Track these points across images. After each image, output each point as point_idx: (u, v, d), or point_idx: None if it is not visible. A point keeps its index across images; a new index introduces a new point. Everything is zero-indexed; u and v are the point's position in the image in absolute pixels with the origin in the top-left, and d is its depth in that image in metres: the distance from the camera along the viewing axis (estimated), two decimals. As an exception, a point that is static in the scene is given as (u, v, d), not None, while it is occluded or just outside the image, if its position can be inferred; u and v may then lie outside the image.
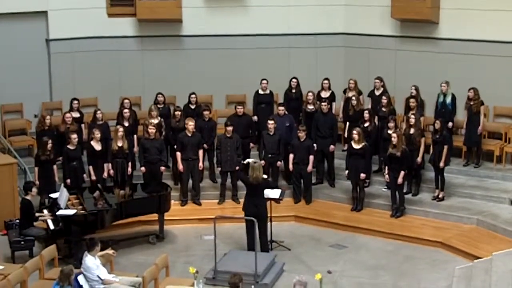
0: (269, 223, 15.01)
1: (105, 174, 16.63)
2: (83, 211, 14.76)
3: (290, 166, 17.12)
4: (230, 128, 17.01)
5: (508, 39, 17.52)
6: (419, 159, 16.79)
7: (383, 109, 17.73)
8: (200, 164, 17.15)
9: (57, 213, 14.53)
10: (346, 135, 18.10)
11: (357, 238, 15.95)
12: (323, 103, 17.72)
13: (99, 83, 19.40)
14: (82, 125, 18.03)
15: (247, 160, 15.52)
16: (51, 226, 14.49)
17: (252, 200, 14.57)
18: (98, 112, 17.51)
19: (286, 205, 16.74)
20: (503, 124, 18.02)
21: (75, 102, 18.02)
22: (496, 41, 17.68)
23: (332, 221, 16.55)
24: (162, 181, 16.81)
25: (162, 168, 16.91)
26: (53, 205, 15.05)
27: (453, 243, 15.26)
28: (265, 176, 14.95)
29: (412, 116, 16.87)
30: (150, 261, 13.50)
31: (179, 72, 19.66)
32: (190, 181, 17.25)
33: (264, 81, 18.61)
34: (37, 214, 14.85)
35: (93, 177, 16.52)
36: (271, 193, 15.03)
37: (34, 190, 14.97)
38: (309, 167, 17.02)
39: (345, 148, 17.70)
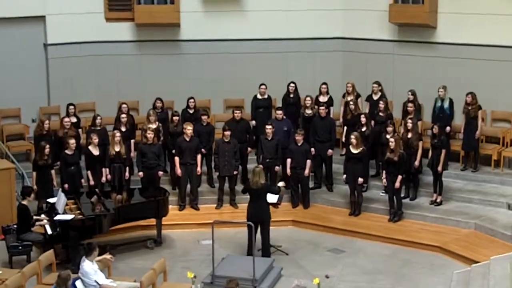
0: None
1: (103, 179, 16.63)
2: (80, 216, 14.75)
3: (288, 171, 17.11)
4: (228, 133, 17.01)
5: (506, 43, 17.53)
6: (416, 163, 16.80)
7: (381, 113, 17.74)
8: (198, 169, 17.14)
9: (55, 218, 14.52)
10: (344, 139, 18.08)
11: (355, 243, 15.95)
12: (321, 108, 17.74)
13: (97, 87, 19.42)
14: (80, 130, 18.01)
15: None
16: (49, 231, 14.47)
17: (253, 205, 14.63)
18: (98, 118, 17.49)
19: (284, 210, 16.73)
20: (500, 128, 18.03)
21: (71, 107, 17.98)
22: (494, 45, 17.69)
23: (330, 226, 16.54)
24: (160, 186, 16.80)
25: (160, 173, 16.91)
26: (51, 210, 15.03)
27: (451, 248, 15.27)
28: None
29: (410, 121, 16.87)
30: (148, 266, 13.49)
31: (177, 76, 19.67)
32: (188, 186, 17.24)
33: (263, 86, 18.62)
34: (35, 217, 14.83)
35: (91, 182, 16.53)
36: (269, 197, 15.03)
37: (32, 195, 14.96)
38: (306, 171, 17.02)
39: (343, 152, 17.69)
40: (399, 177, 16.10)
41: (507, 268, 13.31)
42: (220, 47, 19.68)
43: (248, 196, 14.94)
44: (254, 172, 14.59)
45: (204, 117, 17.74)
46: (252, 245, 14.08)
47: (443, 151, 16.50)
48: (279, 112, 17.80)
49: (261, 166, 15.32)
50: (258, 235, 14.65)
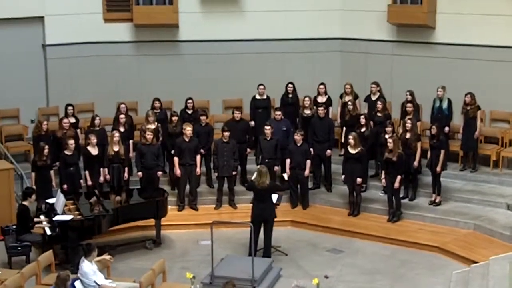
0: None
1: (101, 179, 16.63)
2: (80, 217, 14.74)
3: (287, 171, 17.10)
4: (227, 133, 17.01)
5: (504, 43, 17.54)
6: (415, 163, 16.81)
7: (379, 114, 17.75)
8: (198, 169, 17.14)
9: (54, 219, 14.51)
10: (343, 140, 18.07)
11: (354, 243, 15.96)
12: (319, 108, 17.74)
13: (95, 88, 19.40)
14: (78, 131, 18.01)
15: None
16: (48, 232, 14.45)
17: (258, 205, 14.66)
18: (97, 118, 17.49)
19: (283, 210, 16.69)
20: (499, 128, 18.05)
21: (70, 108, 17.98)
22: (492, 45, 17.70)
23: (329, 226, 16.55)
24: (159, 186, 16.80)
25: (159, 173, 16.91)
26: (50, 211, 15.02)
27: (450, 248, 15.28)
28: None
29: (409, 121, 16.88)
30: (147, 266, 13.49)
31: (175, 77, 19.66)
32: (187, 186, 17.23)
33: (261, 86, 18.63)
34: (35, 219, 14.82)
35: (89, 182, 16.52)
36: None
37: (33, 196, 14.95)
38: (306, 172, 17.03)
39: (342, 153, 17.69)
40: (398, 177, 16.10)
41: (506, 268, 13.33)
42: (218, 47, 19.67)
43: (248, 196, 14.91)
44: (261, 172, 14.59)
45: (202, 118, 17.75)
46: (252, 245, 14.06)
47: (442, 151, 16.51)
48: (278, 112, 17.81)
49: (258, 166, 15.34)
50: (261, 235, 14.68)
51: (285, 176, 16.17)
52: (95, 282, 12.19)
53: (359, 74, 19.48)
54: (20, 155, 18.38)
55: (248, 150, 17.96)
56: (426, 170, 17.04)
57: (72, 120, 17.82)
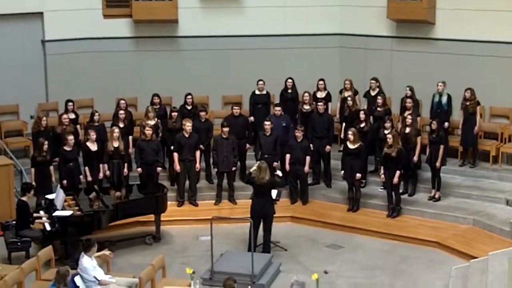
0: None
1: (101, 174, 16.63)
2: (79, 212, 14.75)
3: (287, 167, 17.11)
4: (226, 129, 17.01)
5: (504, 39, 17.55)
6: (415, 158, 16.81)
7: (379, 109, 17.75)
8: (197, 165, 17.15)
9: (54, 214, 14.52)
10: (342, 135, 18.07)
11: (353, 239, 15.96)
12: (319, 104, 17.74)
13: (95, 84, 19.40)
14: (78, 126, 18.01)
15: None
16: (48, 227, 14.46)
17: (258, 201, 14.67)
18: (96, 114, 17.49)
19: (283, 206, 16.66)
20: (499, 124, 18.05)
21: (70, 103, 17.99)
22: (492, 41, 17.71)
23: (329, 222, 16.56)
24: (158, 182, 16.80)
25: (159, 169, 16.91)
26: (50, 206, 15.03)
27: (449, 243, 15.29)
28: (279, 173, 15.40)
29: (409, 116, 16.88)
30: (147, 262, 13.50)
31: (175, 73, 19.65)
32: (187, 182, 17.24)
33: (261, 82, 18.62)
34: (35, 215, 14.83)
35: (89, 178, 16.52)
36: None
37: (32, 192, 14.96)
38: (306, 168, 17.03)
39: (342, 148, 17.68)
40: (398, 172, 16.11)
41: (506, 263, 13.29)
42: (218, 43, 19.66)
43: (247, 192, 14.89)
44: (261, 168, 14.59)
45: (202, 114, 17.75)
46: (251, 241, 14.06)
47: (441, 146, 16.51)
48: (278, 108, 17.80)
49: (257, 162, 15.33)
50: (261, 231, 14.69)
51: (279, 174, 16.01)
52: (94, 277, 12.19)
53: (358, 70, 19.47)
54: (19, 150, 18.39)
55: (248, 145, 17.97)
56: (426, 165, 17.05)
57: (72, 116, 17.82)
